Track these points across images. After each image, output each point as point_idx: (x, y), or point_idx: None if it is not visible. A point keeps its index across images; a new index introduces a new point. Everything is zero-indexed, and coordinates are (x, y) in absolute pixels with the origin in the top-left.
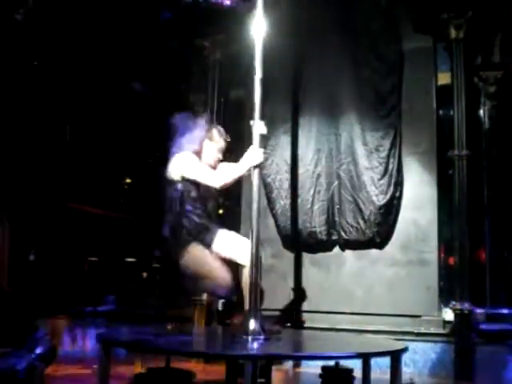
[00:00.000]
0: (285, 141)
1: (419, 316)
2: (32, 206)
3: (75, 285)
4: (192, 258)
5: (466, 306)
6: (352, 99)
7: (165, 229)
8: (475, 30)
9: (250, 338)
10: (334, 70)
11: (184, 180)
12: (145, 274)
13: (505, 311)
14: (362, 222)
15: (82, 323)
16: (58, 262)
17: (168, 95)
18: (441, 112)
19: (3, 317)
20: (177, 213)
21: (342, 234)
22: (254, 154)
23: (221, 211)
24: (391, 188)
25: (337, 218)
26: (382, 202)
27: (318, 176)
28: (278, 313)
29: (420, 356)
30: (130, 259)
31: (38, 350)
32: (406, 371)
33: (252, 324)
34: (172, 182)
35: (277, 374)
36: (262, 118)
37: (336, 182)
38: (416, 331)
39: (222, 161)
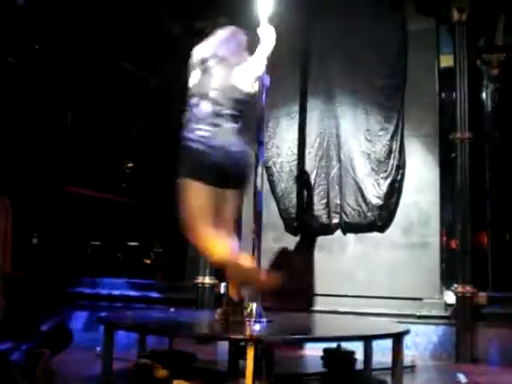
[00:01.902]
0: (285, 123)
1: (421, 299)
2: (35, 189)
3: (77, 268)
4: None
5: (468, 288)
6: (355, 82)
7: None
8: (478, 12)
9: (252, 320)
10: (337, 54)
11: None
12: (149, 261)
13: (507, 294)
14: (363, 205)
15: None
16: (61, 245)
17: (169, 78)
18: (443, 94)
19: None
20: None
21: (344, 217)
22: (266, 38)
23: None
24: (393, 171)
25: (338, 201)
26: (384, 185)
27: (320, 159)
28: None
29: (422, 338)
30: (132, 243)
31: (44, 329)
32: (408, 354)
33: (254, 307)
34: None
35: (279, 357)
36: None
37: (337, 165)
38: (418, 314)
39: None
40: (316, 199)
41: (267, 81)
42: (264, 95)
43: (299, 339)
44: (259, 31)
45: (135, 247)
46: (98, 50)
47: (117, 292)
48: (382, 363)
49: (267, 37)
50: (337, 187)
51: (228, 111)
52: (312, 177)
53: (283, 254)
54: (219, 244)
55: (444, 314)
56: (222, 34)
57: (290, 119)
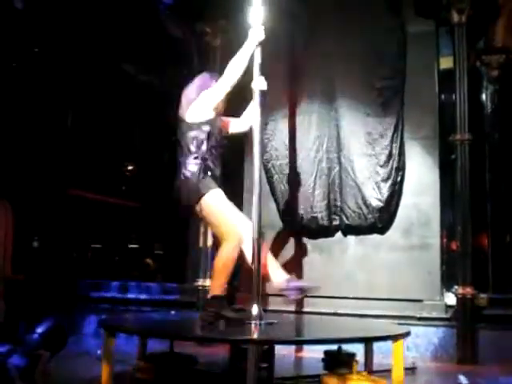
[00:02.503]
0: (284, 126)
1: (421, 300)
2: (35, 192)
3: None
4: (213, 204)
5: (468, 290)
6: (355, 84)
7: (183, 170)
8: (477, 13)
9: (253, 322)
10: (336, 55)
11: (207, 123)
12: (150, 261)
13: (507, 296)
14: (363, 207)
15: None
16: (62, 248)
17: (169, 80)
18: (443, 96)
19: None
20: (202, 152)
21: (344, 219)
22: (254, 32)
23: None
24: (393, 173)
25: (338, 203)
26: (384, 187)
27: (320, 161)
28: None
29: (422, 340)
30: (132, 246)
31: (40, 330)
32: (409, 355)
33: (255, 309)
34: (196, 123)
35: (280, 359)
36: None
37: (337, 167)
38: (418, 316)
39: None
40: (316, 201)
41: (264, 84)
42: (261, 97)
43: (300, 341)
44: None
45: (136, 250)
46: (98, 52)
47: (117, 295)
48: (383, 365)
49: (253, 36)
50: (337, 189)
51: (181, 145)
52: (312, 179)
53: (283, 255)
54: None
55: (444, 315)
56: (195, 81)
57: (287, 121)
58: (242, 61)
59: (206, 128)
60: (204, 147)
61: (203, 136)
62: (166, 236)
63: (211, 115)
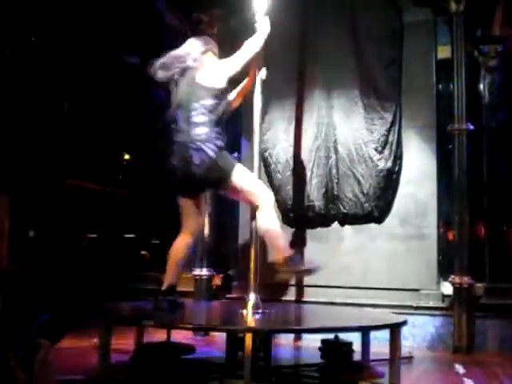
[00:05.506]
0: (282, 114)
1: (418, 290)
2: (31, 182)
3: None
4: (243, 174)
5: (465, 279)
6: (352, 72)
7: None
8: (475, 2)
9: (249, 311)
10: (334, 44)
11: (220, 91)
12: (146, 252)
13: (504, 285)
14: (360, 196)
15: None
16: (58, 238)
17: None
18: (441, 86)
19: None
20: (214, 121)
21: (341, 208)
22: (261, 25)
23: None
24: (390, 162)
25: (336, 192)
26: (381, 176)
27: (318, 150)
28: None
29: (419, 329)
30: (129, 235)
31: (42, 319)
32: (405, 344)
33: (252, 298)
34: (213, 89)
35: (276, 348)
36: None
37: (334, 156)
38: (415, 305)
39: None
40: (313, 190)
41: (263, 72)
42: (259, 86)
43: (297, 330)
44: (255, 22)
45: (132, 239)
46: (94, 41)
47: (115, 283)
48: (380, 354)
49: (261, 27)
50: (334, 178)
51: (196, 116)
52: (309, 168)
53: None
54: None
55: (441, 304)
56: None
57: (287, 110)
58: (252, 52)
59: (220, 95)
60: (214, 115)
61: (216, 103)
62: (163, 225)
63: (224, 84)
